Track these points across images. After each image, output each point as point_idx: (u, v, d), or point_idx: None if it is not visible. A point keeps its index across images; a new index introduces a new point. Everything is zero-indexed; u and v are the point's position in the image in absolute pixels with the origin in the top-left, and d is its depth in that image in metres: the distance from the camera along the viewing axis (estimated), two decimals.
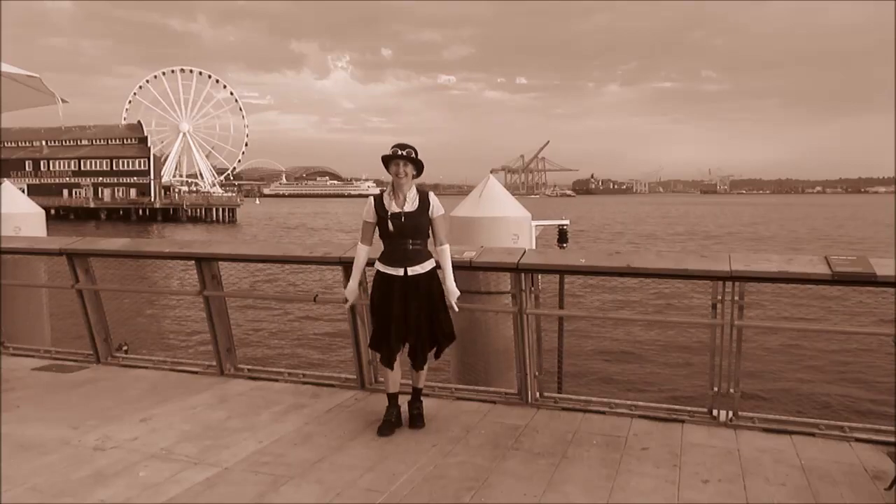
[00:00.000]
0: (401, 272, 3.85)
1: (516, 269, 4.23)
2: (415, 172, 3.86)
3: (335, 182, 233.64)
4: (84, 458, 3.57)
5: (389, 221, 3.82)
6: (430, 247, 4.04)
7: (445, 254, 3.97)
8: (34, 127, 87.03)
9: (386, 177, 4.09)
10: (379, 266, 3.93)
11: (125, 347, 6.19)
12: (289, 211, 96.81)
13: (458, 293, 3.94)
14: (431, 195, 3.92)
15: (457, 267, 4.40)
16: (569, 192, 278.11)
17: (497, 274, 5.01)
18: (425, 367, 4.08)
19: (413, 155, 3.83)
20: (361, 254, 4.02)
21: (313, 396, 4.62)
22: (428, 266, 3.93)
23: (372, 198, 3.98)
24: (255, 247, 5.86)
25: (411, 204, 3.85)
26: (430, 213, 3.90)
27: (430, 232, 3.97)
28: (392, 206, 3.85)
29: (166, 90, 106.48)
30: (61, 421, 4.13)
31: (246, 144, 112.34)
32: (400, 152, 3.80)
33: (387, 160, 3.85)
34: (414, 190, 3.89)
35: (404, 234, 3.82)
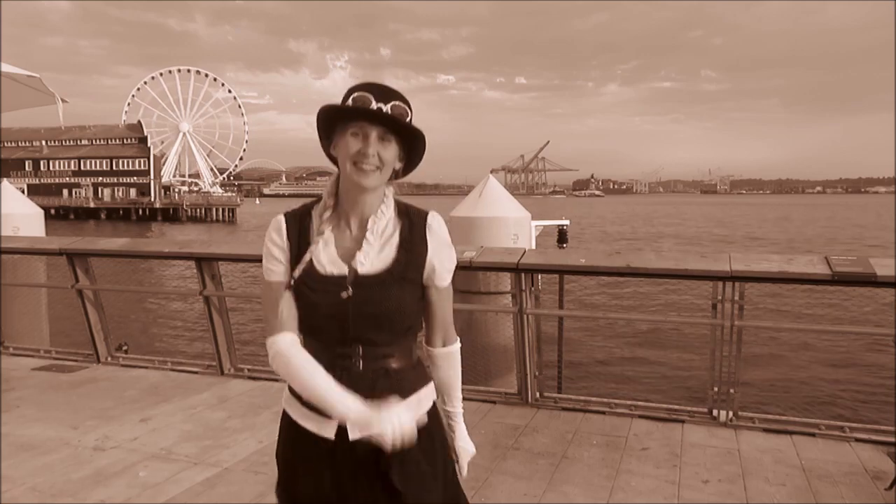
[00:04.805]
0: (329, 431, 1.49)
1: (516, 269, 4.23)
2: (400, 164, 1.54)
3: None
4: (84, 458, 3.57)
5: (315, 293, 1.49)
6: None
7: (453, 362, 1.68)
8: (34, 127, 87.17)
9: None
10: (289, 408, 1.57)
11: (125, 347, 6.18)
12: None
13: (473, 451, 1.75)
14: (434, 221, 1.58)
15: (457, 267, 4.39)
16: (598, 192, 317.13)
17: (497, 274, 5.01)
18: None
19: (404, 114, 1.49)
20: (297, 360, 1.48)
21: None
22: (409, 415, 1.42)
23: (282, 220, 1.56)
24: (255, 247, 5.86)
25: (378, 248, 1.53)
26: (424, 270, 1.56)
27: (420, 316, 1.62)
28: (326, 252, 1.52)
29: (167, 89, 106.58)
30: (61, 421, 4.13)
31: (246, 144, 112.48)
32: (375, 105, 1.45)
33: (333, 117, 1.51)
34: (390, 209, 1.56)
35: (356, 326, 1.49)
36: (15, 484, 3.25)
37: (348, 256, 1.52)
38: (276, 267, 1.53)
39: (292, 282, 1.50)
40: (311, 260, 1.50)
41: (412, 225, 1.56)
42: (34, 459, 3.55)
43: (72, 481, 3.29)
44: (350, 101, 1.47)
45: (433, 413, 1.62)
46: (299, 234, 1.54)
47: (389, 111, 1.47)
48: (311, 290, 1.49)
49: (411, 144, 1.54)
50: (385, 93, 1.48)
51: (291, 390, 1.54)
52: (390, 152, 1.49)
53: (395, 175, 1.56)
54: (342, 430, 1.46)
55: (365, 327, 1.49)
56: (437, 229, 1.58)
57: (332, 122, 1.51)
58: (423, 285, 1.58)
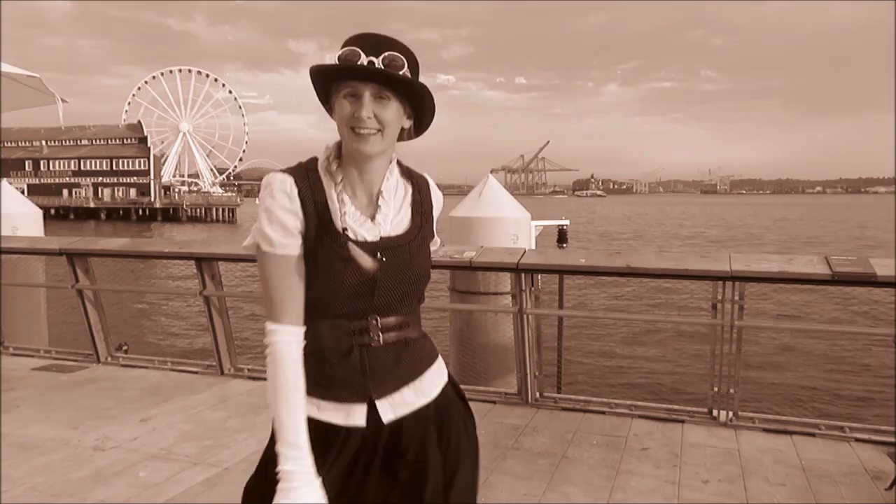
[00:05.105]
0: (359, 417, 1.37)
1: (516, 270, 4.22)
2: (409, 122, 1.38)
3: None
4: (84, 458, 3.56)
5: (346, 262, 1.31)
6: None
7: None
8: (34, 127, 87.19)
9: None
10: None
11: (125, 347, 6.19)
12: None
13: None
14: (433, 186, 1.51)
15: (457, 267, 4.39)
16: (599, 192, 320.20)
17: (497, 274, 5.01)
18: None
19: (399, 65, 1.30)
20: (285, 367, 1.30)
21: None
22: (437, 383, 1.47)
23: (290, 180, 1.32)
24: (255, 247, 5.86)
25: (395, 209, 1.40)
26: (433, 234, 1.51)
27: None
28: (349, 214, 1.34)
29: (167, 89, 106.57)
30: (61, 421, 4.13)
31: (245, 144, 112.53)
32: (365, 59, 1.27)
33: (326, 79, 1.32)
34: (396, 173, 1.42)
35: (381, 296, 1.35)
36: (15, 484, 3.24)
37: (369, 213, 1.37)
38: (288, 239, 1.31)
39: (338, 248, 1.30)
40: (337, 225, 1.33)
41: (419, 186, 1.46)
42: (34, 459, 3.54)
43: (72, 481, 3.28)
44: (339, 55, 1.29)
45: (451, 387, 1.51)
46: (314, 196, 1.32)
47: (381, 65, 1.28)
48: (341, 259, 1.31)
49: (415, 99, 1.34)
50: (377, 44, 1.29)
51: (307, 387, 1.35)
52: (390, 112, 1.30)
53: (407, 135, 1.40)
54: (373, 413, 1.36)
55: (389, 296, 1.36)
56: (437, 192, 1.51)
57: (327, 84, 1.33)
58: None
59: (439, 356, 1.51)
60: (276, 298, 1.32)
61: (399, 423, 1.38)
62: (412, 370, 1.41)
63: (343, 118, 1.29)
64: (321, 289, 1.33)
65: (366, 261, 1.31)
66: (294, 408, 1.30)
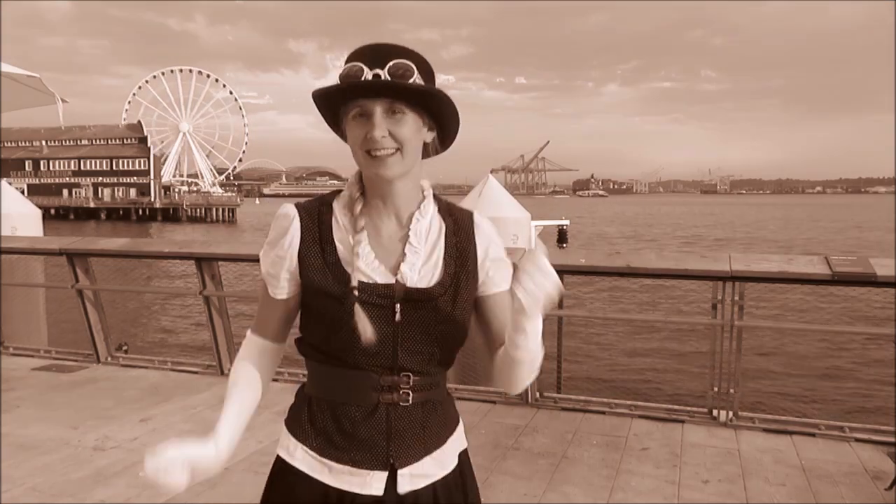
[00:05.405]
0: (377, 487, 1.21)
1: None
2: (431, 134, 1.21)
3: (335, 182, 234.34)
4: (84, 458, 3.56)
5: (352, 310, 1.15)
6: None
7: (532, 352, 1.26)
8: (34, 127, 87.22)
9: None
10: (298, 458, 1.35)
11: (125, 347, 6.19)
12: None
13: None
14: (482, 220, 1.30)
15: None
16: (601, 192, 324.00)
17: None
18: None
19: (408, 73, 1.13)
20: (240, 363, 1.39)
21: None
22: (455, 452, 1.32)
23: (295, 215, 1.22)
24: (254, 247, 5.86)
25: (425, 254, 1.21)
26: (479, 279, 1.27)
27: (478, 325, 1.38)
28: (365, 258, 1.18)
29: (168, 89, 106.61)
30: (61, 421, 4.13)
31: (245, 145, 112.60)
32: (370, 73, 1.12)
33: (330, 100, 1.18)
34: (431, 205, 1.25)
35: (405, 353, 1.20)
36: (15, 484, 3.24)
37: (391, 264, 1.19)
38: (274, 278, 1.23)
39: (346, 294, 1.16)
40: (343, 267, 1.17)
41: (458, 226, 1.26)
42: (34, 459, 3.54)
43: (72, 481, 3.28)
44: (344, 73, 1.15)
45: (467, 464, 1.35)
46: (321, 235, 1.20)
47: (387, 76, 1.12)
48: (353, 304, 1.15)
49: (432, 108, 1.17)
50: (380, 54, 1.14)
51: (295, 435, 1.32)
52: (407, 127, 1.14)
53: (433, 149, 1.24)
54: (390, 483, 1.21)
55: (415, 353, 1.20)
56: (486, 229, 1.29)
57: (333, 106, 1.19)
58: (477, 297, 1.29)
59: (460, 422, 1.35)
60: (259, 316, 1.34)
61: (416, 496, 1.23)
62: (437, 438, 1.26)
63: (356, 142, 1.15)
64: (337, 335, 1.18)
65: (365, 327, 1.16)
66: (226, 400, 1.39)
